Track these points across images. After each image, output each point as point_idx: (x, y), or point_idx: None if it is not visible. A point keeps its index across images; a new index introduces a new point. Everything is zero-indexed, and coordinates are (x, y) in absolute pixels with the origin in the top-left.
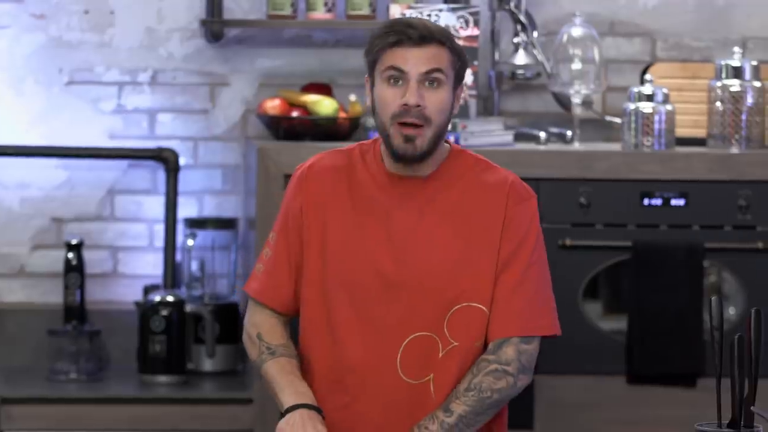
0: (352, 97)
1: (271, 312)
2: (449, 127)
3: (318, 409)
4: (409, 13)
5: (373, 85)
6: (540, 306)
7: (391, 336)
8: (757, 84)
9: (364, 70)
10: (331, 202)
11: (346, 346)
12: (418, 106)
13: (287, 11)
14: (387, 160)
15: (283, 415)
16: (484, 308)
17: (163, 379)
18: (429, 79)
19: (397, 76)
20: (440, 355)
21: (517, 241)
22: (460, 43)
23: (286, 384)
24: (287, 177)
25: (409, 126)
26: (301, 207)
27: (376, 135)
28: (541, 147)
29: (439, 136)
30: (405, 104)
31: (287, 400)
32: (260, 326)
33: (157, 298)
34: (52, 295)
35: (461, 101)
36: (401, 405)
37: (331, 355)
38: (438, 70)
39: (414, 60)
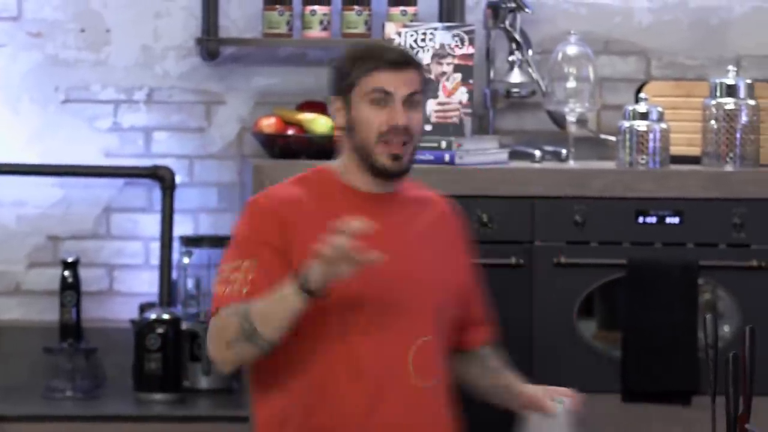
0: None
1: None
2: (444, 145)
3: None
4: (404, 32)
5: (347, 106)
6: None
7: (401, 342)
8: (752, 102)
9: None
10: (307, 225)
11: (360, 354)
12: (405, 125)
13: (283, 30)
14: (360, 178)
15: (302, 290)
16: (455, 310)
17: (158, 397)
18: (411, 100)
19: (382, 98)
20: (441, 357)
21: (471, 254)
22: (455, 61)
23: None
24: None
25: (395, 144)
26: (279, 230)
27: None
28: (536, 165)
29: (415, 153)
30: (394, 125)
31: (285, 289)
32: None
33: (153, 316)
34: (48, 313)
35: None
36: (417, 408)
37: (347, 363)
38: (417, 92)
39: (397, 83)
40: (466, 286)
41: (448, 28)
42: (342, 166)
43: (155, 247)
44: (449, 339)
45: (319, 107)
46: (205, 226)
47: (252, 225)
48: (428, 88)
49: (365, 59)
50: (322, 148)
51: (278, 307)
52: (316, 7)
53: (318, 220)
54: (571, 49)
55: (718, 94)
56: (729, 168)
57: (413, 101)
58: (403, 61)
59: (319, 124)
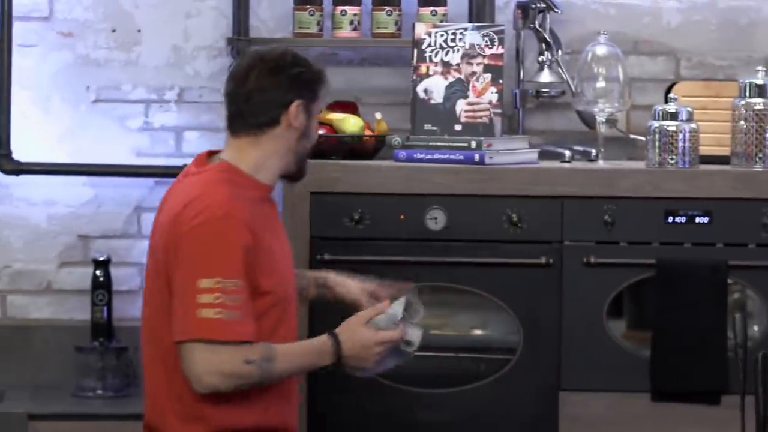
0: (378, 116)
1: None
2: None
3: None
4: (434, 32)
5: (308, 113)
6: None
7: (294, 329)
8: None
9: (390, 88)
10: (262, 231)
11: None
12: None
13: (313, 30)
14: (271, 176)
15: (337, 358)
16: None
17: None
18: None
19: None
20: None
21: None
22: (485, 62)
23: (299, 345)
24: (313, 195)
25: None
26: (253, 243)
27: (401, 154)
28: (566, 165)
29: None
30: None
31: (320, 348)
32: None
33: None
34: (79, 311)
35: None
36: None
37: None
38: None
39: None
40: None
41: (478, 29)
42: (253, 162)
43: None
44: None
45: (350, 107)
46: None
47: (230, 241)
48: None
49: (325, 77)
50: (353, 147)
51: (307, 367)
52: (346, 8)
53: (263, 224)
54: (601, 50)
55: (747, 94)
56: (758, 168)
57: None
58: None
59: (350, 123)
